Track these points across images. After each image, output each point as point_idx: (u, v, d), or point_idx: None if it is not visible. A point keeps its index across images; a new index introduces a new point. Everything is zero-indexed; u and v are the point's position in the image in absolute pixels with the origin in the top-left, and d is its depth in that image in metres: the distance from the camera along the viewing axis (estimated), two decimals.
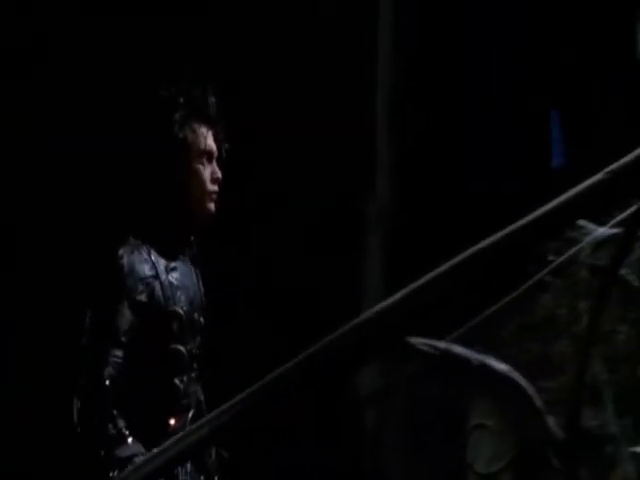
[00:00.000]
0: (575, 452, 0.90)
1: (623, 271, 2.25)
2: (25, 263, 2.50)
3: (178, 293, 1.45)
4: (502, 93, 5.05)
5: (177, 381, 1.43)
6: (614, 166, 0.86)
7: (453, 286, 0.91)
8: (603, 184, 0.86)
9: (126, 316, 1.38)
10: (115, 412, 1.33)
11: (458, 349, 0.87)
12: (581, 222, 0.90)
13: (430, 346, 0.87)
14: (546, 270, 0.86)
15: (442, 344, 0.87)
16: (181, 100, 1.48)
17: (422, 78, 4.18)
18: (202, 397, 1.49)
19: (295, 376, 0.76)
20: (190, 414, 1.44)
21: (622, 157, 0.95)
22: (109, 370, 1.34)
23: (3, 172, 2.61)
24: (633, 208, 0.85)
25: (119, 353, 1.36)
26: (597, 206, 0.88)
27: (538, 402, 0.88)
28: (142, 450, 1.32)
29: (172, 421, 1.40)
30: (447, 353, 0.87)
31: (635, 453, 2.33)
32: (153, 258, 1.44)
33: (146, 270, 1.42)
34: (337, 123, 2.85)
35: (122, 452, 1.31)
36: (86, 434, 1.35)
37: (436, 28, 4.26)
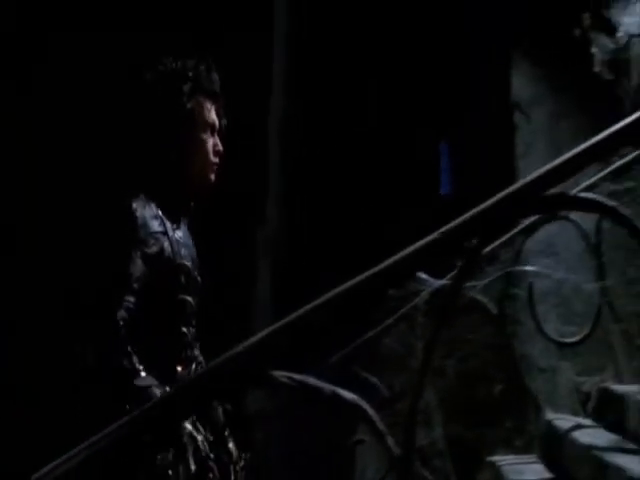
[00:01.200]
0: (410, 466, 1.06)
1: (485, 299, 2.50)
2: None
3: (183, 250, 1.56)
4: (393, 125, 5.36)
5: (184, 329, 1.52)
6: (444, 228, 1.04)
7: (311, 326, 1.07)
8: (436, 243, 1.04)
9: (138, 265, 1.44)
10: (129, 349, 1.38)
11: (312, 380, 1.01)
12: (419, 274, 1.08)
13: (289, 378, 1.01)
14: (395, 316, 1.02)
15: (299, 376, 1.01)
16: (190, 74, 1.58)
17: (314, 107, 4.39)
18: (201, 359, 1.57)
19: (166, 410, 0.87)
20: (193, 366, 1.53)
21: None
22: (122, 313, 1.40)
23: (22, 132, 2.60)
24: (459, 264, 1.04)
25: (131, 299, 1.42)
26: (432, 261, 1.06)
27: (380, 425, 1.04)
28: (156, 382, 1.38)
29: (179, 368, 1.48)
30: (303, 384, 1.01)
31: (491, 461, 2.59)
32: (161, 215, 1.53)
33: (156, 225, 1.51)
34: (228, 153, 2.98)
35: (139, 382, 1.36)
36: (102, 371, 1.37)
37: (327, 61, 4.51)
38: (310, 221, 4.43)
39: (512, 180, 5.17)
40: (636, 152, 2.33)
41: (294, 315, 1.01)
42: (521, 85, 4.44)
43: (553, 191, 1.08)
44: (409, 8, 4.90)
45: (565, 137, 4.57)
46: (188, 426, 1.42)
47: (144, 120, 1.61)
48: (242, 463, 1.55)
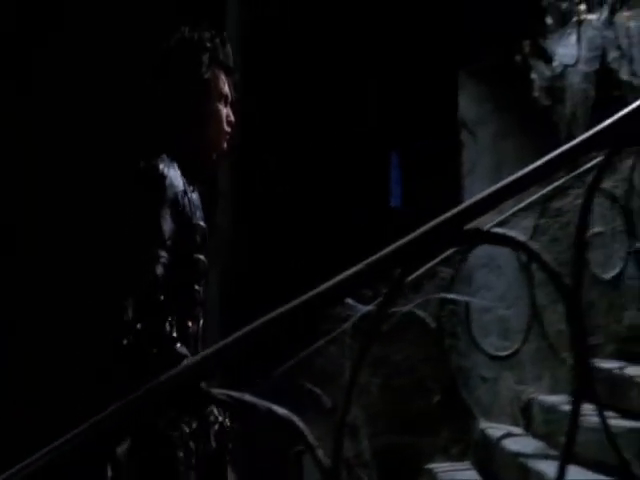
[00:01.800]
0: (338, 477, 1.17)
1: (424, 314, 2.63)
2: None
3: (197, 212, 1.61)
4: (343, 136, 5.49)
5: (197, 287, 1.57)
6: (370, 260, 1.15)
7: (248, 348, 1.16)
8: (362, 273, 1.15)
9: (168, 222, 1.49)
10: (169, 316, 1.42)
11: (248, 397, 1.11)
12: (348, 300, 1.19)
13: (227, 395, 1.11)
14: (327, 338, 1.12)
15: (236, 394, 1.10)
16: (208, 45, 1.64)
17: (264, 118, 4.48)
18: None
19: (107, 427, 0.95)
20: (201, 323, 1.58)
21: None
22: (159, 269, 1.43)
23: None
24: (385, 291, 1.15)
25: (164, 254, 1.46)
26: (359, 289, 1.17)
27: (311, 439, 1.14)
28: (189, 354, 1.42)
29: (190, 323, 1.52)
30: (240, 401, 1.11)
31: (428, 468, 2.72)
32: (181, 176, 1.58)
33: (180, 185, 1.56)
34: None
35: (180, 350, 1.41)
36: (143, 334, 1.38)
37: (278, 72, 4.60)
38: (260, 229, 4.53)
39: (459, 196, 5.36)
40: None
41: (228, 340, 1.11)
42: (467, 105, 4.64)
43: (470, 226, 1.21)
44: (364, 19, 5.05)
45: (508, 156, 4.80)
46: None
47: (163, 86, 1.66)
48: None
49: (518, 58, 3.77)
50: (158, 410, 1.02)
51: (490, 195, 1.25)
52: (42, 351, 2.50)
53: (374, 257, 1.15)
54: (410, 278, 1.93)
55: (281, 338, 1.16)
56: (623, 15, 3.31)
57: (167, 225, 1.49)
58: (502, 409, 3.58)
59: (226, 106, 1.69)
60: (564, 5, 3.34)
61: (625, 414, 2.27)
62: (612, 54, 3.25)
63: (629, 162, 2.53)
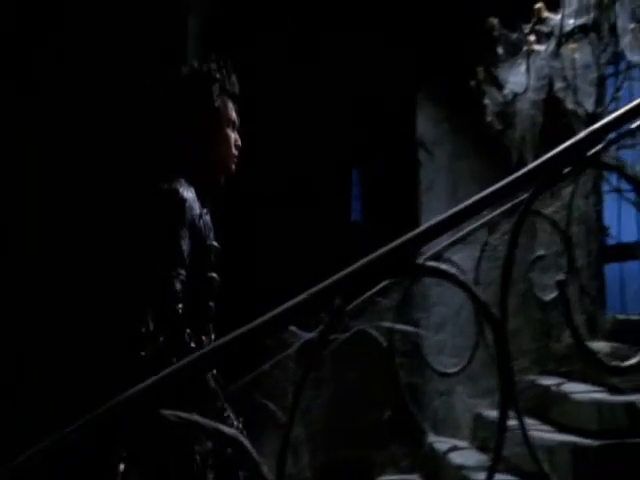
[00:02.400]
0: None
1: (374, 332, 2.75)
2: None
3: (210, 233, 1.74)
4: (307, 154, 5.60)
5: (211, 303, 1.68)
6: (313, 290, 1.26)
7: (201, 370, 1.26)
8: (306, 301, 1.26)
9: (187, 242, 1.61)
10: (187, 328, 1.53)
11: (196, 418, 1.20)
12: (291, 328, 1.29)
13: (177, 417, 1.19)
14: (271, 362, 1.22)
15: (185, 415, 1.19)
16: (217, 76, 1.80)
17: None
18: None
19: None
20: (212, 337, 1.68)
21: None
22: (178, 285, 1.55)
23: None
24: (325, 319, 1.26)
25: (183, 272, 1.57)
26: (303, 316, 1.27)
27: (256, 456, 1.24)
28: None
29: (204, 338, 1.62)
30: (189, 422, 1.20)
31: None
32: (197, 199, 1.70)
33: (196, 208, 1.68)
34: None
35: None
36: (164, 344, 1.48)
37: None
38: (223, 245, 4.59)
39: (416, 213, 5.50)
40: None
41: (180, 364, 1.20)
42: (425, 125, 4.81)
43: (406, 261, 1.32)
44: (328, 40, 5.18)
45: (463, 176, 4.99)
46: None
47: (176, 114, 1.80)
48: None
49: (473, 83, 3.94)
50: (114, 431, 1.11)
51: (428, 229, 1.37)
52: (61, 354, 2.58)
53: (317, 287, 1.26)
54: (364, 296, 2.06)
55: (233, 360, 1.25)
56: (569, 47, 3.51)
57: (185, 245, 1.61)
58: (456, 423, 3.72)
59: (233, 131, 1.85)
60: (514, 36, 3.52)
61: (562, 428, 2.42)
62: (558, 84, 3.43)
63: (569, 189, 2.69)
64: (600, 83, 3.36)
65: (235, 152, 1.83)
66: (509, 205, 2.67)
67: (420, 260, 1.33)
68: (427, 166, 4.89)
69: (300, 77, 5.39)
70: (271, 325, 1.22)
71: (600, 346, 2.68)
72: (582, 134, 1.46)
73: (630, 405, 2.07)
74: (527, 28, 3.49)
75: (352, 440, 2.90)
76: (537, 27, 3.49)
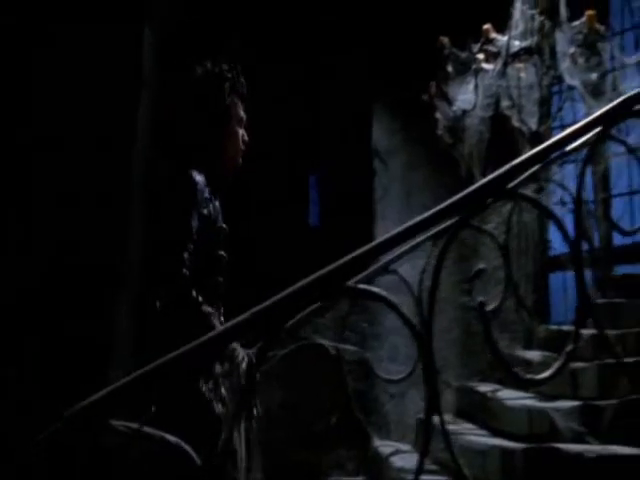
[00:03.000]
0: None
1: (323, 341, 2.89)
2: None
3: (219, 216, 1.94)
4: (264, 156, 5.73)
5: (220, 279, 1.88)
6: (255, 309, 1.40)
7: (150, 384, 1.38)
8: (248, 321, 1.39)
9: (195, 220, 1.82)
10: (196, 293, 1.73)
11: (146, 429, 1.33)
12: (234, 345, 1.43)
13: (126, 427, 1.32)
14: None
15: (134, 425, 1.32)
16: (229, 76, 1.98)
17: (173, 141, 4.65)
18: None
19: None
20: (222, 311, 1.86)
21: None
22: (186, 255, 1.76)
23: None
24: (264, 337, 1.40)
25: (192, 246, 1.78)
26: (246, 334, 1.41)
27: (198, 461, 1.37)
28: (214, 312, 1.77)
29: (210, 309, 1.78)
30: (137, 431, 1.32)
31: None
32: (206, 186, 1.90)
33: (206, 192, 1.88)
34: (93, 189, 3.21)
35: (205, 309, 1.74)
36: (177, 298, 1.70)
37: None
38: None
39: (371, 220, 5.65)
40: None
41: (129, 378, 1.32)
42: (380, 135, 4.99)
43: (339, 284, 1.47)
44: (287, 50, 5.32)
45: (416, 186, 5.19)
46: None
47: (191, 111, 1.99)
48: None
49: (425, 97, 4.12)
50: (67, 442, 1.23)
51: (356, 257, 1.51)
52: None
53: (258, 307, 1.40)
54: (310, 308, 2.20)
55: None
56: (516, 67, 3.72)
57: (194, 222, 1.83)
58: (405, 427, 3.90)
59: (241, 127, 2.03)
60: (464, 55, 3.71)
61: (496, 432, 2.61)
62: (505, 102, 3.64)
63: (508, 206, 2.88)
64: (543, 103, 3.58)
65: (242, 147, 2.03)
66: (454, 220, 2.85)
67: (351, 283, 1.48)
68: (382, 175, 5.07)
69: (260, 84, 5.51)
70: (214, 343, 1.36)
71: (533, 355, 2.89)
72: (502, 169, 1.63)
73: (555, 411, 2.26)
74: (476, 48, 3.69)
75: (302, 444, 3.04)
76: (485, 47, 3.69)
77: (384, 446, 2.96)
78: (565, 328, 2.99)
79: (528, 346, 3.07)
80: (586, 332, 2.93)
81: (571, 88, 3.51)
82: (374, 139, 5.00)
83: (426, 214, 1.56)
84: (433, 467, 2.52)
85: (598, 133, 1.69)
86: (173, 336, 1.54)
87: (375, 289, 1.50)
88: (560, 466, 1.76)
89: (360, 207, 5.32)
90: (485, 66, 3.70)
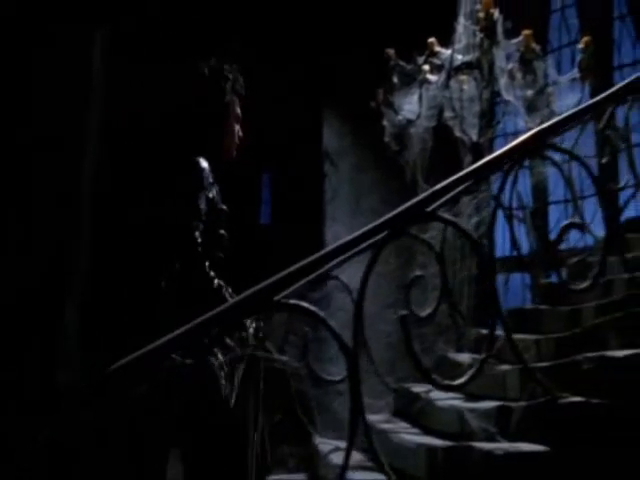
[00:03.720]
0: None
1: (268, 344, 3.06)
2: None
3: (220, 199, 2.20)
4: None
5: (221, 254, 2.15)
6: (190, 326, 1.56)
7: None
8: (187, 332, 1.56)
9: (203, 202, 2.08)
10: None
11: None
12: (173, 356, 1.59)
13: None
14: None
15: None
16: (230, 76, 2.24)
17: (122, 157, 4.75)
18: None
19: None
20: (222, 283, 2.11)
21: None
22: (197, 234, 2.03)
23: None
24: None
25: (200, 225, 2.05)
26: (183, 348, 1.57)
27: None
28: (225, 286, 2.07)
29: (221, 282, 2.08)
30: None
31: None
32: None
33: (210, 177, 2.15)
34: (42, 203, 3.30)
35: (218, 281, 2.04)
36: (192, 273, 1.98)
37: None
38: (123, 256, 4.80)
39: (322, 221, 5.84)
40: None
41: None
42: (330, 138, 5.17)
43: (275, 298, 1.65)
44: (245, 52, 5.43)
45: (365, 188, 5.39)
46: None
47: (194, 107, 2.25)
48: None
49: (373, 104, 4.31)
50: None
51: (286, 275, 1.68)
52: None
53: (194, 322, 1.56)
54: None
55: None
56: (459, 79, 3.93)
57: (202, 204, 2.08)
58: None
59: (237, 123, 2.28)
60: (409, 67, 3.91)
61: (427, 431, 2.82)
62: (448, 113, 3.86)
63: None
64: (483, 115, 3.81)
65: (237, 141, 2.28)
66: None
67: (281, 299, 1.65)
68: (332, 176, 5.25)
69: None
70: (153, 355, 1.52)
71: (464, 357, 3.12)
72: (424, 194, 1.82)
73: (470, 412, 2.48)
74: (421, 60, 3.89)
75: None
76: (430, 60, 3.90)
77: (324, 444, 3.15)
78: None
79: (461, 349, 3.30)
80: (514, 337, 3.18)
81: (507, 104, 3.74)
82: (325, 141, 5.17)
83: (353, 235, 1.74)
84: (369, 464, 2.72)
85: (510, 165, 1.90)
86: (190, 306, 1.80)
87: (304, 304, 1.68)
88: (473, 463, 1.97)
89: (311, 208, 5.49)
90: (430, 77, 3.91)
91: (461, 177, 1.83)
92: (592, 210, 2.40)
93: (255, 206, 6.66)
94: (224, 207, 2.22)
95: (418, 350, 1.84)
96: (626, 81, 2.08)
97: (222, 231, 2.19)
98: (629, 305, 2.30)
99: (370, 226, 1.76)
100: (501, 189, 1.91)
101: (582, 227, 1.90)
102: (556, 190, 4.35)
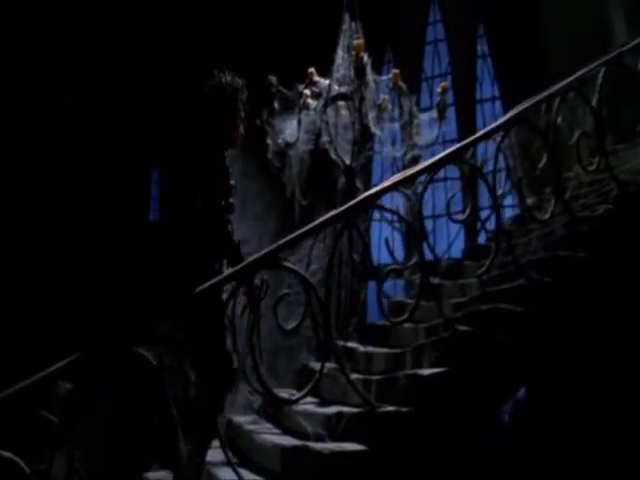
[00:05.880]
0: None
1: (146, 353, 3.57)
2: None
3: (231, 176, 3.01)
4: (108, 155, 6.19)
5: (230, 219, 2.93)
6: (81, 351, 2.06)
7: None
8: (85, 357, 2.07)
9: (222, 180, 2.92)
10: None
11: None
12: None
13: None
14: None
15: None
16: (240, 85, 2.99)
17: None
18: None
19: None
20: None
21: None
22: (223, 201, 2.89)
23: None
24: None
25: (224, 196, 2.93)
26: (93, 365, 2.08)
27: (27, 469, 2.02)
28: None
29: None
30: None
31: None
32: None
33: (227, 162, 3.01)
34: None
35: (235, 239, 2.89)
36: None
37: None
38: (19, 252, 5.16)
39: None
40: None
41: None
42: None
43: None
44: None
45: (251, 195, 5.93)
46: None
47: (210, 111, 3.00)
48: None
49: (258, 122, 4.84)
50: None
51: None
52: None
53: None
54: None
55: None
56: (338, 104, 4.55)
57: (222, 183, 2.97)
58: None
59: (240, 123, 3.07)
60: (291, 92, 4.48)
61: (286, 431, 3.43)
62: (324, 138, 4.47)
63: (310, 242, 3.69)
64: (355, 143, 4.45)
65: (239, 137, 3.08)
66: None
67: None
68: None
69: (109, 81, 5.97)
70: (45, 381, 2.02)
71: (330, 365, 3.75)
72: (274, 245, 2.41)
73: (338, 414, 3.07)
74: (301, 87, 4.47)
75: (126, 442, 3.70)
76: (310, 87, 4.48)
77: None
78: (349, 345, 3.89)
79: (325, 359, 3.92)
80: (362, 349, 3.84)
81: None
82: None
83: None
84: (235, 460, 3.29)
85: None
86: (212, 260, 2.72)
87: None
88: (309, 460, 2.60)
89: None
90: (310, 102, 4.49)
91: (303, 232, 2.42)
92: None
93: (144, 203, 7.06)
94: (233, 182, 3.01)
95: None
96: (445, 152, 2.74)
97: (232, 200, 2.98)
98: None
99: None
100: (334, 246, 2.53)
101: (400, 272, 2.55)
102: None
